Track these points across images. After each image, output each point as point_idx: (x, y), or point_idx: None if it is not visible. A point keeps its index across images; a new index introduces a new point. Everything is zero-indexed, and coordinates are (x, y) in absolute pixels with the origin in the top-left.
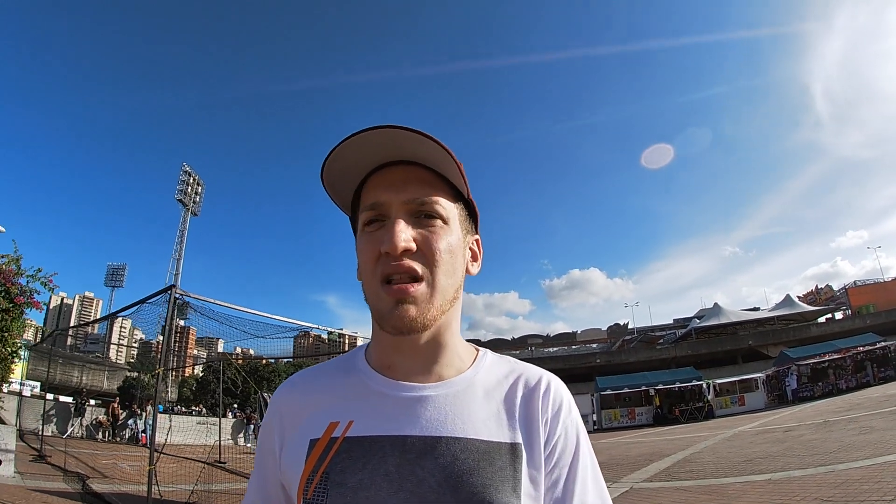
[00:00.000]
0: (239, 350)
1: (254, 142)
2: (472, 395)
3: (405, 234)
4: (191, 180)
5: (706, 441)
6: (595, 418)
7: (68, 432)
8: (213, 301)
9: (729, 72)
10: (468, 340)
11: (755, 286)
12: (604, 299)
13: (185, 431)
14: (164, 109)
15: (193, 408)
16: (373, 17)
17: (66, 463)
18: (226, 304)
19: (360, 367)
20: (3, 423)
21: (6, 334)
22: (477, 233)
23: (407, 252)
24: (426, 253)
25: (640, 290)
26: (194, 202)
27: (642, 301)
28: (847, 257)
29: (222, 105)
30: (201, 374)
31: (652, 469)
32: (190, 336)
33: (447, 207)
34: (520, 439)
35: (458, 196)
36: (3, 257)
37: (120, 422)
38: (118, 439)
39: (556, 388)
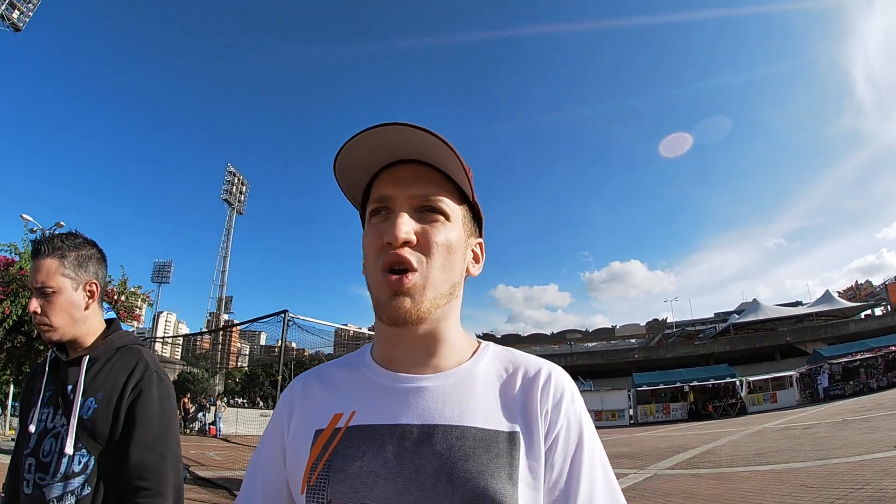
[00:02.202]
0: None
1: (293, 135)
2: (471, 385)
3: (407, 227)
4: (235, 180)
5: (731, 436)
6: (631, 413)
7: None
8: (312, 320)
9: (768, 52)
10: (485, 335)
11: (799, 279)
12: (644, 292)
13: (248, 423)
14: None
15: (239, 399)
16: None
17: None
18: (319, 321)
19: (366, 361)
20: None
21: None
22: (481, 236)
23: (408, 243)
24: (424, 246)
25: (681, 282)
26: (239, 201)
27: (683, 294)
28: (893, 248)
29: (261, 103)
30: (248, 368)
31: (676, 459)
32: (234, 331)
33: (451, 206)
34: (518, 428)
35: (463, 198)
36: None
37: (190, 415)
38: (188, 431)
39: (558, 379)
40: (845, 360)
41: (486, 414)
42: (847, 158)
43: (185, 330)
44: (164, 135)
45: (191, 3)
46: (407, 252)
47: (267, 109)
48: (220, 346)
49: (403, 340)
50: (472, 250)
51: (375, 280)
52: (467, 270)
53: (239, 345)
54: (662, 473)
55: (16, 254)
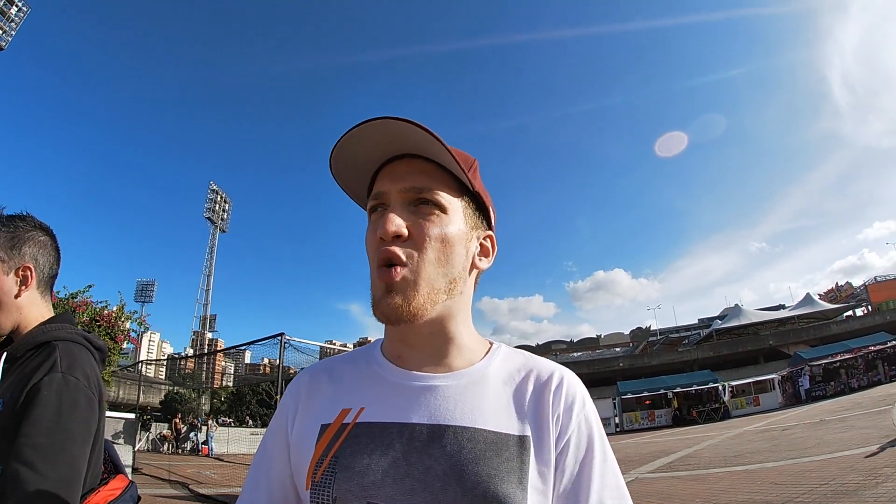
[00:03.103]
0: (266, 360)
1: (271, 148)
2: (482, 386)
3: (397, 220)
4: (218, 198)
5: (712, 440)
6: (617, 421)
7: (137, 446)
8: (307, 342)
9: (744, 57)
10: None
11: (782, 282)
12: (629, 300)
13: (239, 442)
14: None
15: (227, 419)
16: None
17: (168, 473)
18: (313, 343)
19: (375, 357)
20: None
21: (107, 367)
22: (490, 229)
23: (398, 238)
24: (417, 240)
25: (665, 289)
26: (222, 219)
27: (668, 300)
28: (875, 249)
29: (243, 116)
30: (234, 388)
31: (658, 463)
32: (218, 349)
33: (447, 198)
34: (529, 432)
35: (462, 189)
36: (101, 302)
37: (182, 435)
38: (180, 451)
39: (570, 383)
40: (826, 361)
41: (498, 416)
42: (826, 161)
43: (168, 349)
44: (146, 152)
45: (172, 21)
46: (396, 246)
47: (249, 126)
48: (204, 366)
49: (409, 338)
50: (481, 243)
51: (371, 277)
52: (474, 265)
53: (224, 363)
54: (643, 477)
55: None
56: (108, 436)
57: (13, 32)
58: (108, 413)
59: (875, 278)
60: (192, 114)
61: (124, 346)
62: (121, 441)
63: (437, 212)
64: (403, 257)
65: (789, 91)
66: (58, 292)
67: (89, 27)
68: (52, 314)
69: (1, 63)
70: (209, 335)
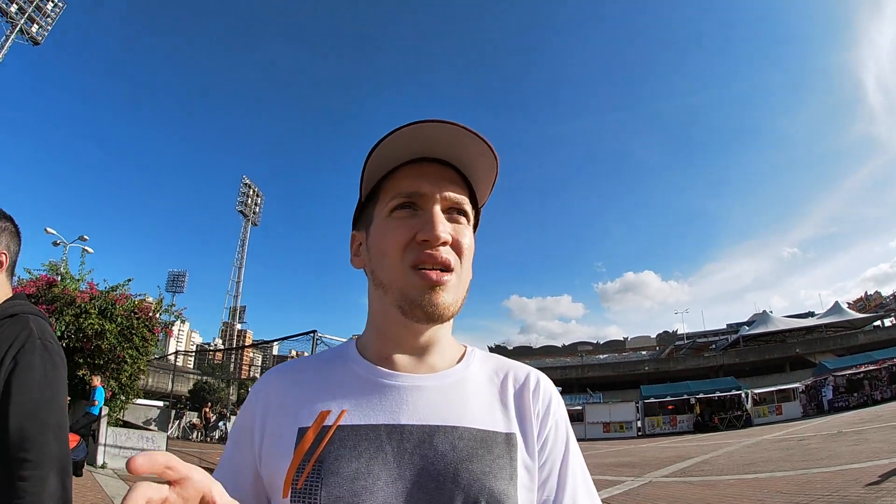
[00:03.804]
0: (294, 353)
1: (303, 143)
2: (466, 386)
3: (446, 227)
4: (251, 192)
5: (730, 447)
6: (639, 424)
7: (168, 433)
8: (338, 339)
9: (779, 60)
10: (497, 347)
11: (813, 289)
12: (658, 302)
13: None
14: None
15: None
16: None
17: (198, 460)
18: (345, 340)
19: (352, 357)
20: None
21: (144, 357)
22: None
23: (444, 243)
24: (457, 247)
25: (695, 292)
26: (254, 213)
27: (698, 304)
28: None
29: (276, 112)
30: (258, 376)
31: (673, 468)
32: (246, 340)
33: (469, 211)
34: (515, 430)
35: (475, 204)
36: (140, 295)
37: (211, 424)
38: (209, 439)
39: (545, 385)
40: (850, 372)
41: (484, 415)
42: (861, 166)
43: (198, 339)
44: (180, 146)
45: (207, 18)
46: (445, 251)
47: (283, 121)
48: (233, 357)
49: (408, 339)
50: None
51: (402, 276)
52: None
53: (252, 355)
54: (657, 481)
55: (57, 273)
56: (139, 422)
57: (49, 27)
58: (140, 401)
59: None
60: (226, 109)
61: (160, 336)
62: (154, 427)
63: (464, 222)
64: (453, 264)
65: (823, 94)
66: (97, 284)
67: (124, 22)
68: (11, 294)
69: (38, 57)
70: (238, 326)
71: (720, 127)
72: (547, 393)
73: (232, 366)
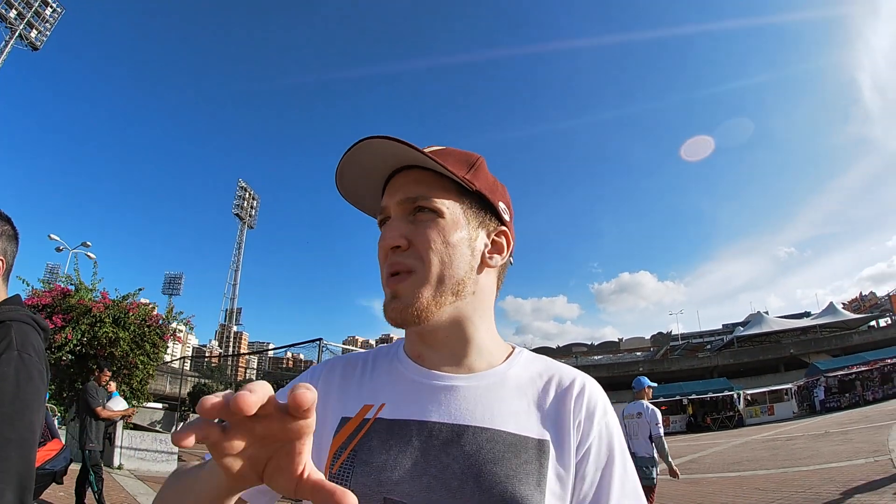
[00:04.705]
0: (290, 355)
1: (298, 147)
2: (502, 388)
3: (395, 232)
4: (247, 195)
5: (719, 447)
6: None
7: None
8: (343, 346)
9: (774, 60)
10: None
11: (810, 288)
12: (654, 303)
13: None
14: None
15: None
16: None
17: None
18: (347, 347)
19: (399, 355)
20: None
21: (154, 363)
22: (503, 224)
23: (398, 249)
24: (418, 247)
25: (691, 292)
26: (250, 216)
27: (693, 304)
28: None
29: (272, 116)
30: (255, 378)
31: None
32: (242, 342)
33: (445, 203)
34: (548, 437)
35: (462, 191)
36: (146, 305)
37: None
38: None
39: (592, 391)
40: (842, 372)
41: (517, 419)
42: (856, 166)
43: (194, 341)
44: (177, 149)
45: (205, 21)
46: (399, 256)
47: (279, 124)
48: (230, 360)
49: (426, 339)
50: (493, 240)
51: (382, 285)
52: (484, 263)
53: (248, 357)
54: None
55: (72, 284)
56: (145, 423)
57: (48, 33)
58: (147, 404)
59: None
60: (223, 114)
61: (170, 344)
62: (159, 429)
63: (434, 217)
64: (409, 265)
65: (819, 95)
66: (108, 294)
67: (122, 28)
68: (6, 297)
69: (36, 63)
70: (235, 328)
71: (712, 128)
72: (592, 401)
73: (229, 369)
